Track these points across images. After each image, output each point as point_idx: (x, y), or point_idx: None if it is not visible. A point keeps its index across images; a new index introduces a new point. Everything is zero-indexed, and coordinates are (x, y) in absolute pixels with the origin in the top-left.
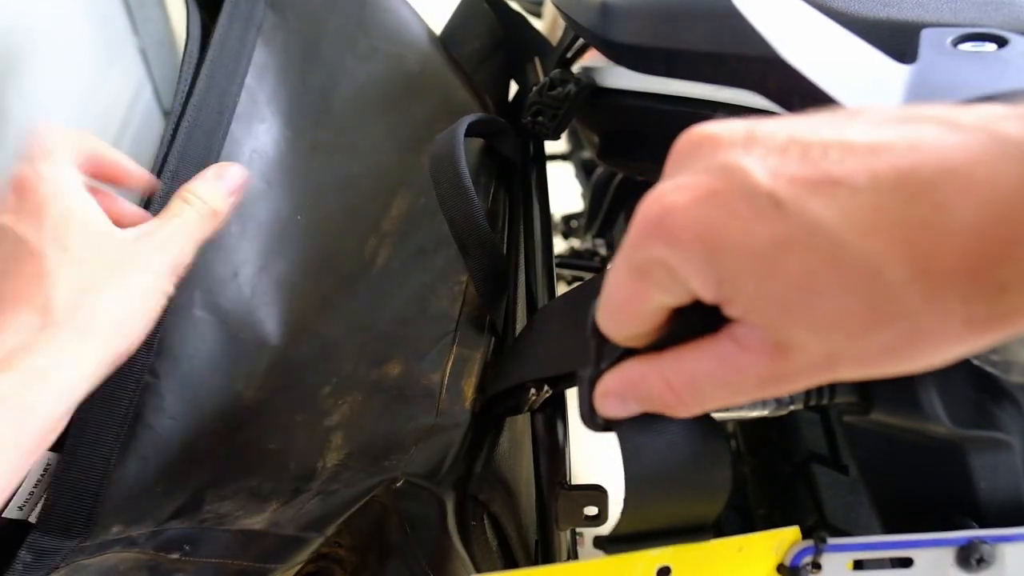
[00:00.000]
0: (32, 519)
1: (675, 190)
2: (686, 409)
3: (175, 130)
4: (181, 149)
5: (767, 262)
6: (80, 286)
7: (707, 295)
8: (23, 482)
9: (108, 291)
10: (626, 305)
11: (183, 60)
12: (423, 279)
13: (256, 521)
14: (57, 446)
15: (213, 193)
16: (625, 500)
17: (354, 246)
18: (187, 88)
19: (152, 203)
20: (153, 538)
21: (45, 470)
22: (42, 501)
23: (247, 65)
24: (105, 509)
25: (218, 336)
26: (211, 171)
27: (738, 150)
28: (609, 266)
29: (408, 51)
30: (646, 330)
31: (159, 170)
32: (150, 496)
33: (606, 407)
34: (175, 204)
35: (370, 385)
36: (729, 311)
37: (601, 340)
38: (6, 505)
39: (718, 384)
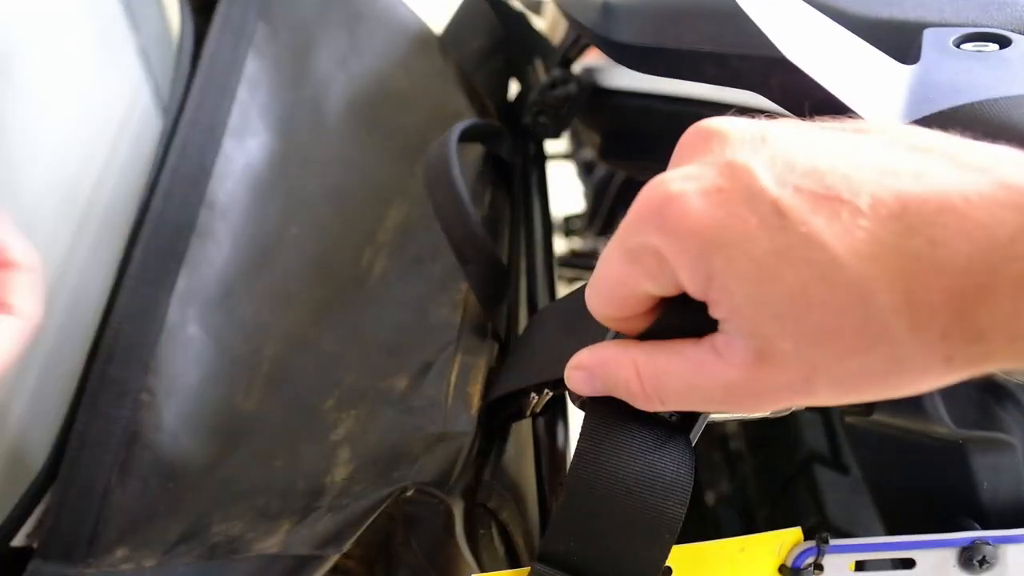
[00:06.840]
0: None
1: (679, 180)
2: (647, 402)
3: (167, 147)
4: (174, 167)
5: (762, 269)
6: None
7: (694, 290)
8: (33, 509)
9: None
10: (613, 288)
11: (175, 71)
12: (422, 289)
13: (270, 544)
14: (55, 469)
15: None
16: (564, 494)
17: (350, 257)
18: (179, 104)
19: (144, 222)
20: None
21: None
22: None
23: (239, 78)
24: (108, 532)
25: (213, 352)
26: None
27: (747, 149)
28: (603, 247)
29: (399, 62)
30: (629, 315)
31: (152, 188)
32: (154, 517)
33: (573, 380)
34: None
35: (374, 397)
36: (714, 311)
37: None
38: (14, 533)
39: (684, 386)
